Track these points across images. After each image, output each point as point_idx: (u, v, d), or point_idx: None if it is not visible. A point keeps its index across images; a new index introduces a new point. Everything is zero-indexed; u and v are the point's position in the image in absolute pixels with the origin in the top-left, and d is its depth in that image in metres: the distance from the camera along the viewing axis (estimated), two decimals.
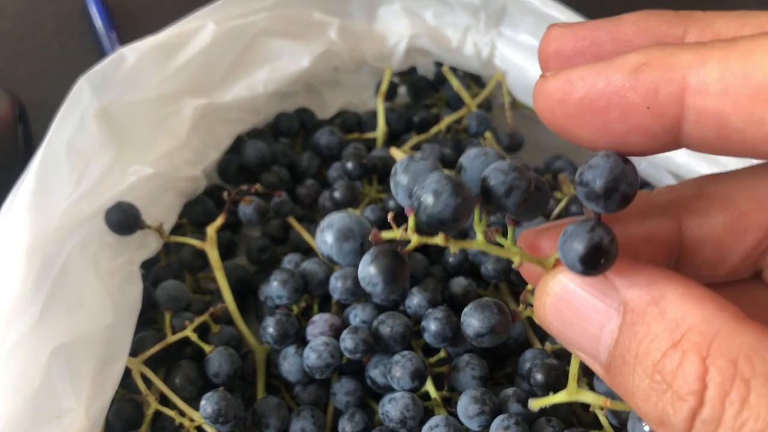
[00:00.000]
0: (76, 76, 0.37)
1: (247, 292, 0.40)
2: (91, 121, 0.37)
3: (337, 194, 0.39)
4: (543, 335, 0.38)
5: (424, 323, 0.35)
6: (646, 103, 0.19)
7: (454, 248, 0.22)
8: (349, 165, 0.40)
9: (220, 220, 0.37)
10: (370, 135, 0.46)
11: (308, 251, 0.41)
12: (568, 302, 0.20)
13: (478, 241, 0.22)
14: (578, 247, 0.19)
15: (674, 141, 0.20)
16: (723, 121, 0.18)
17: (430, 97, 0.52)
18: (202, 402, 0.32)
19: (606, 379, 0.20)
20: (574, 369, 0.27)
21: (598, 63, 0.20)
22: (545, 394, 0.32)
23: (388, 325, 0.34)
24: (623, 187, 0.19)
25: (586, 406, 0.35)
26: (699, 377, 0.17)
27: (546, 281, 0.21)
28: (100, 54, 0.54)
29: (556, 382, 0.32)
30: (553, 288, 0.21)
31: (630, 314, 0.19)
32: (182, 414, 0.34)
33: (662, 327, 0.18)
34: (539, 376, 0.32)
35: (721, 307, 0.18)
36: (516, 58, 0.48)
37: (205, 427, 0.33)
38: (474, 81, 0.51)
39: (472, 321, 0.30)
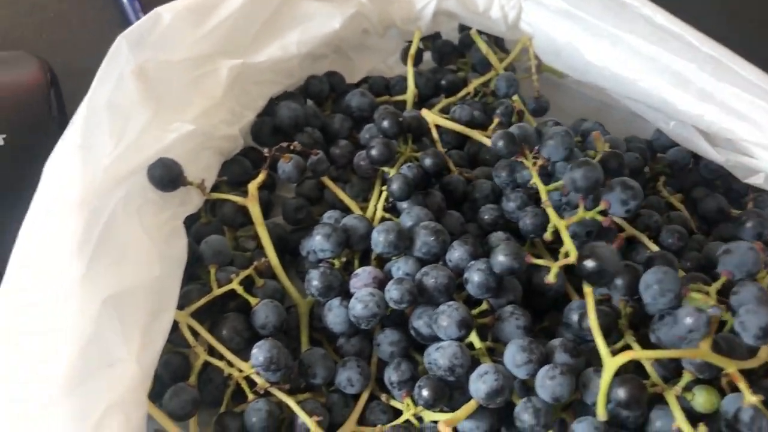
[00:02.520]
0: (99, 43, 0.37)
1: (284, 251, 0.41)
2: (129, 79, 0.37)
3: (374, 152, 0.39)
4: (581, 288, 0.39)
5: (466, 275, 0.35)
6: None
7: None
8: (386, 123, 0.40)
9: (261, 177, 0.37)
10: (399, 98, 0.47)
11: (344, 211, 0.41)
12: None
13: None
14: None
15: None
16: None
17: (455, 62, 0.52)
18: (254, 350, 0.33)
19: None
20: None
21: None
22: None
23: (432, 277, 0.35)
24: None
25: None
26: None
27: None
28: (122, 22, 0.54)
29: (610, 327, 0.32)
30: None
31: None
32: (230, 365, 0.34)
33: None
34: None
35: None
36: (542, 22, 0.48)
37: (254, 377, 0.33)
38: (498, 46, 0.51)
39: None
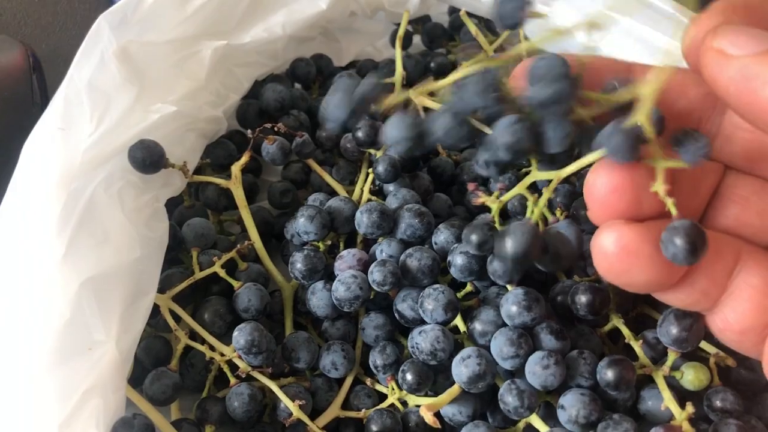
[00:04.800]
0: (86, 28, 0.36)
1: (269, 235, 0.40)
2: (111, 60, 0.36)
3: (360, 134, 0.39)
4: (569, 270, 0.38)
5: (450, 258, 0.35)
6: None
7: None
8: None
9: (244, 158, 0.37)
10: (387, 80, 0.46)
11: (330, 194, 0.40)
12: None
13: None
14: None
15: None
16: None
17: (445, 45, 0.51)
18: (235, 333, 0.32)
19: None
20: None
21: None
22: (590, 315, 0.32)
23: (416, 258, 0.34)
24: None
25: (614, 339, 0.35)
26: None
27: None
28: (110, 7, 0.53)
29: (602, 305, 0.32)
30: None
31: None
32: (212, 349, 0.34)
33: None
34: (584, 298, 0.32)
35: None
36: (534, 4, 0.47)
37: (236, 360, 0.33)
38: (488, 28, 0.50)
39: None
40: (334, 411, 0.34)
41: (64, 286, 0.31)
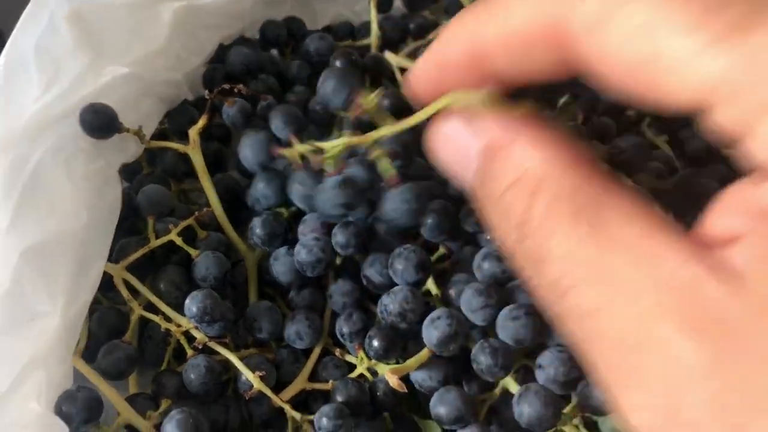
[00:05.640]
0: None
1: (237, 205, 0.38)
2: (61, 24, 0.34)
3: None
4: None
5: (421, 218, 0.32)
6: None
7: None
8: (338, 63, 0.38)
9: (201, 122, 0.35)
10: (363, 42, 0.44)
11: None
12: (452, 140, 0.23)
13: None
14: None
15: None
16: None
17: (428, 8, 0.49)
18: (187, 301, 0.30)
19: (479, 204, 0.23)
20: None
21: None
22: None
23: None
24: None
25: None
26: (524, 210, 0.20)
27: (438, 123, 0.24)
28: None
29: None
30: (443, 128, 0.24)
31: (487, 153, 0.22)
32: (168, 320, 0.32)
33: (509, 166, 0.21)
34: None
35: (562, 151, 0.20)
36: None
37: (193, 331, 0.31)
38: None
39: None
40: (300, 383, 0.32)
41: (5, 256, 0.29)
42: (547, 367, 0.28)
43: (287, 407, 0.31)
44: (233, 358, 0.31)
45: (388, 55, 0.41)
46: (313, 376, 0.33)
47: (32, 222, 0.30)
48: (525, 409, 0.27)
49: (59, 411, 0.28)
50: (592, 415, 0.28)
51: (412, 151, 0.29)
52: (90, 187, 0.32)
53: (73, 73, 0.34)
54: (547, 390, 0.28)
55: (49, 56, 0.34)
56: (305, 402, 0.33)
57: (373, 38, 0.43)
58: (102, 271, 0.31)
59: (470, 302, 0.30)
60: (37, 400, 0.28)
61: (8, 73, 0.32)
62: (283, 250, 0.33)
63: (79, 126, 0.33)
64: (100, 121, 0.33)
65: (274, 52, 0.44)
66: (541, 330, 0.29)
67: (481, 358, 0.29)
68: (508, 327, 0.29)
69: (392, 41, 0.45)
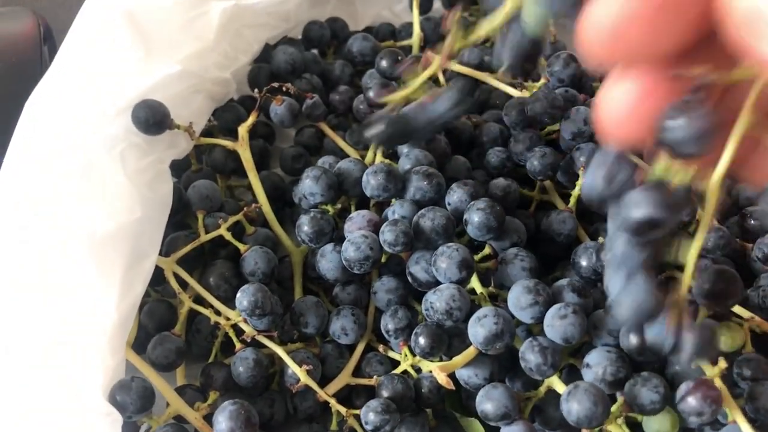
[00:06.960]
0: None
1: (282, 202, 0.39)
2: (114, 23, 0.35)
3: (371, 93, 0.37)
4: (594, 233, 0.36)
5: (466, 216, 0.33)
6: None
7: None
8: (384, 63, 0.38)
9: (251, 119, 0.36)
10: (404, 42, 0.44)
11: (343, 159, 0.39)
12: None
13: None
14: None
15: None
16: None
17: (467, 10, 0.49)
18: (238, 295, 0.31)
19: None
20: None
21: None
22: None
23: (428, 218, 0.32)
24: None
25: None
26: None
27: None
28: None
29: None
30: None
31: None
32: (217, 313, 0.32)
33: None
34: None
35: None
36: None
37: (242, 325, 0.32)
38: None
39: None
40: (344, 378, 0.33)
41: (69, 249, 0.30)
42: (595, 366, 0.29)
43: (333, 401, 0.31)
44: (281, 352, 0.31)
45: (431, 56, 0.42)
46: (357, 372, 0.34)
47: (89, 213, 0.31)
48: (574, 407, 0.28)
49: (113, 400, 0.29)
50: (640, 414, 0.29)
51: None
52: (143, 180, 0.33)
53: (126, 68, 0.35)
54: (596, 388, 0.28)
55: (102, 53, 0.34)
56: (348, 397, 0.34)
57: (415, 39, 0.44)
58: (154, 264, 0.32)
59: (518, 300, 0.30)
60: (93, 389, 0.28)
61: (68, 71, 0.33)
62: (329, 246, 0.34)
63: (132, 122, 0.33)
64: (153, 117, 0.33)
65: (315, 51, 0.45)
66: (588, 329, 0.29)
67: (530, 356, 0.29)
68: (556, 326, 0.29)
69: (433, 42, 0.46)
